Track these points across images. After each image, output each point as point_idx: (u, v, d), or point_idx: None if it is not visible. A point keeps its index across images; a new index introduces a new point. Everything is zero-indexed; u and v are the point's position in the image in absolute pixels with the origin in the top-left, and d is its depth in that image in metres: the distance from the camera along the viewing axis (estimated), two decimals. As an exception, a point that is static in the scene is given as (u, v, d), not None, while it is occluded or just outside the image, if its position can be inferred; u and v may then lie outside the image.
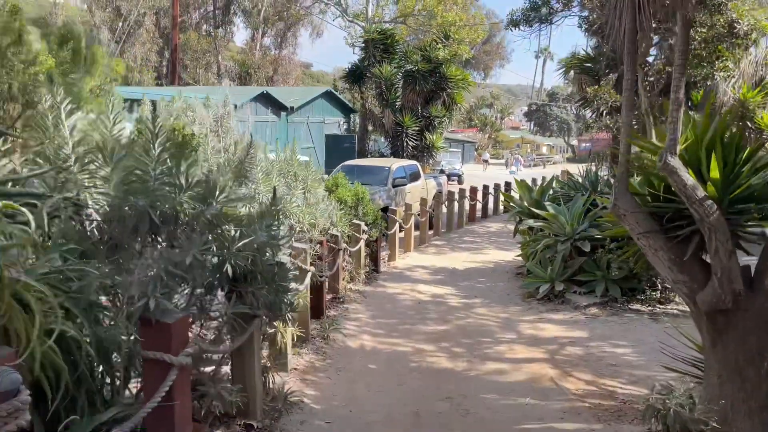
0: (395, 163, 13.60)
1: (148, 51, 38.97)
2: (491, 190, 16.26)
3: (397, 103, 21.67)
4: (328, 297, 7.02)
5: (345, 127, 25.46)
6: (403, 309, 6.97)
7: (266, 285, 3.44)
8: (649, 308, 6.75)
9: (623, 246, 6.71)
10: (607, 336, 5.90)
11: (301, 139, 21.82)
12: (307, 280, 5.16)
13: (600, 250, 7.06)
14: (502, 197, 16.80)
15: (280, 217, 4.84)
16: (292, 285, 4.39)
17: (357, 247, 7.74)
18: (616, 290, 6.93)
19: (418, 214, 11.89)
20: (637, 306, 6.82)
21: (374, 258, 8.70)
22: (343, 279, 7.71)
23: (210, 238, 2.90)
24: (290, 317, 3.92)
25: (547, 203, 7.94)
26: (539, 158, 58.39)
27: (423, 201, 11.95)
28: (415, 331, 6.11)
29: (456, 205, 13.75)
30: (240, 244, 2.96)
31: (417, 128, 21.10)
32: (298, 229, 5.27)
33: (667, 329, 6.01)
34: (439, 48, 22.28)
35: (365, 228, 7.95)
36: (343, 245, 7.07)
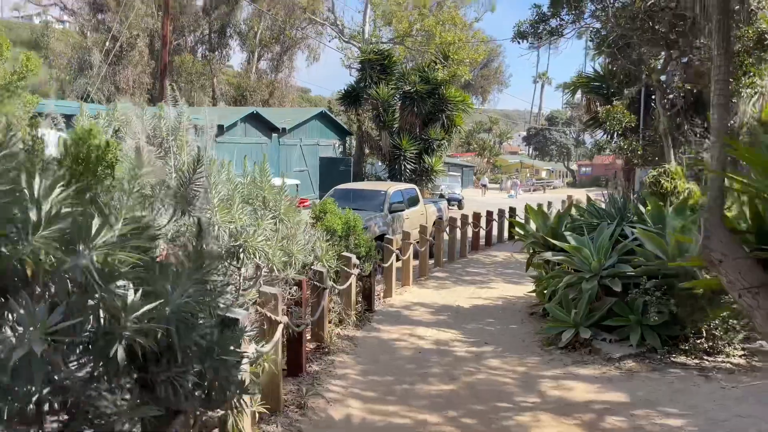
0: (392, 187, 12.57)
1: (140, 73, 38.25)
2: (495, 216, 15.20)
3: (395, 126, 20.85)
4: (311, 347, 5.89)
5: (341, 150, 24.53)
6: (400, 361, 5.83)
7: (198, 363, 2.35)
8: (696, 361, 5.62)
9: (666, 285, 5.63)
10: (653, 401, 4.76)
11: (293, 162, 20.85)
12: (278, 335, 4.05)
13: (634, 290, 5.96)
14: (512, 225, 15.76)
15: (240, 256, 3.77)
16: (250, 350, 3.29)
17: (347, 285, 6.64)
18: (655, 339, 5.81)
19: (417, 243, 10.81)
20: (681, 358, 5.69)
21: (367, 295, 7.57)
22: (330, 323, 6.59)
23: (90, 303, 1.81)
24: (243, 402, 2.80)
25: (567, 233, 6.86)
26: (539, 183, 57.60)
27: (422, 228, 10.87)
28: (415, 393, 4.96)
29: (458, 232, 12.67)
30: (141, 311, 1.86)
31: (415, 151, 20.26)
32: (265, 268, 4.18)
33: (726, 391, 4.90)
34: (438, 69, 21.55)
35: (356, 261, 6.86)
36: (330, 284, 5.97)
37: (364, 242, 7.22)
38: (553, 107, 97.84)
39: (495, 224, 15.27)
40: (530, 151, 75.18)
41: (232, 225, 3.83)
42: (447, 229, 12.37)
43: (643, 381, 5.20)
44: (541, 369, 5.62)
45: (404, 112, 20.60)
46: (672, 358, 5.68)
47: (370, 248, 7.38)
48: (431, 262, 11.30)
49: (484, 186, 42.76)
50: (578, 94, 17.06)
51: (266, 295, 4.12)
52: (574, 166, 68.83)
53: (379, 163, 22.52)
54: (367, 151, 22.99)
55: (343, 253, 6.82)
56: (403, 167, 20.48)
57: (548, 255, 6.83)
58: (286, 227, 4.58)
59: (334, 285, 6.20)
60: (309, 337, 6.05)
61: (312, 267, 5.80)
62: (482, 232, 14.38)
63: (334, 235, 7.02)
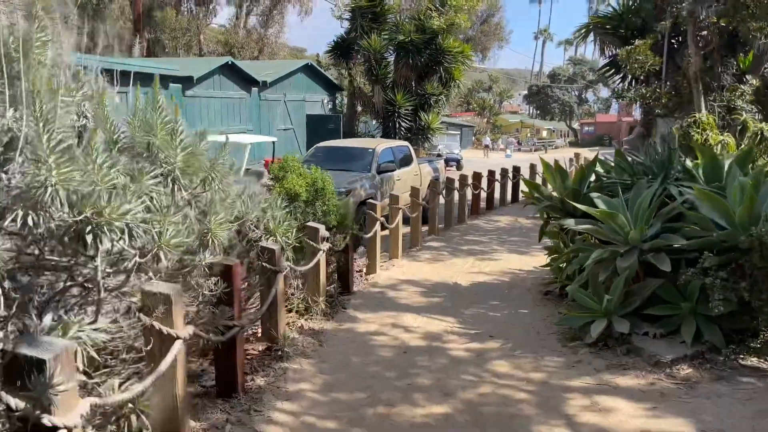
0: (381, 145, 11.02)
1: (120, 28, 36.01)
2: (497, 177, 13.66)
3: (388, 80, 19.16)
4: (261, 349, 4.47)
5: (330, 106, 22.76)
6: (378, 366, 4.41)
7: None
8: (773, 364, 4.21)
9: (732, 263, 4.16)
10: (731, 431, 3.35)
11: (277, 120, 19.18)
12: (172, 356, 2.60)
13: (688, 270, 4.49)
14: (515, 186, 14.29)
15: (87, 239, 2.28)
16: (77, 412, 1.83)
17: (312, 264, 5.17)
18: (716, 334, 4.38)
19: (408, 207, 9.35)
20: (752, 360, 4.27)
21: (343, 274, 6.12)
22: (292, 312, 5.17)
23: None
24: None
25: (594, 195, 5.35)
26: (540, 143, 55.66)
27: (414, 191, 9.36)
28: (393, 421, 3.54)
29: (456, 194, 11.17)
30: None
31: (411, 107, 18.63)
32: (141, 256, 2.68)
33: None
34: (435, 16, 19.63)
35: (325, 233, 5.38)
36: (285, 265, 4.51)
37: (335, 208, 5.72)
38: (554, 64, 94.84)
39: (497, 185, 13.76)
40: (531, 111, 73.11)
41: (84, 187, 2.33)
42: (443, 192, 10.87)
43: (709, 397, 3.78)
44: (565, 376, 4.20)
45: (398, 65, 18.89)
46: (740, 361, 4.25)
47: (344, 216, 5.88)
48: (425, 229, 9.84)
49: (487, 146, 40.13)
50: (583, 49, 15.31)
51: (153, 296, 2.64)
52: (576, 125, 66.92)
53: (374, 122, 20.96)
54: (359, 108, 21.34)
55: (308, 224, 5.34)
56: (397, 125, 18.93)
57: (570, 222, 5.34)
58: (212, 191, 3.07)
59: (293, 266, 4.74)
60: (260, 334, 4.63)
61: (258, 243, 4.35)
62: (483, 194, 12.88)
63: (297, 200, 5.53)
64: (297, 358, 4.38)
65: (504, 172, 14.03)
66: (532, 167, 15.26)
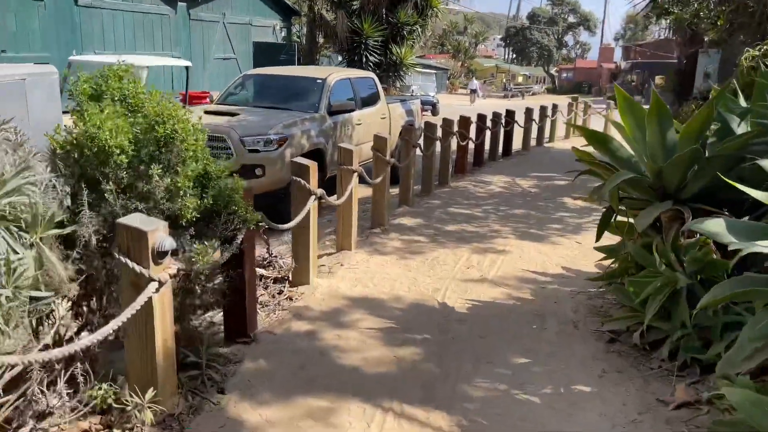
0: (335, 75, 7.84)
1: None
2: (488, 123, 10.60)
3: (354, 5, 16.00)
4: None
5: (284, 34, 19.16)
6: None
7: None
8: None
9: None
10: None
11: (213, 46, 15.61)
12: None
13: None
14: (517, 136, 11.47)
15: None
16: None
17: (129, 314, 2.17)
18: None
19: (369, 162, 6.34)
20: None
21: (236, 306, 3.14)
22: (97, 415, 2.17)
23: None
24: None
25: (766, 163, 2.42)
26: (517, 89, 52.43)
27: (380, 141, 6.27)
28: None
29: (437, 146, 8.15)
30: None
31: (380, 38, 15.62)
32: None
33: None
34: (411, -73, 16.22)
35: (168, 243, 2.34)
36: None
37: (189, 183, 2.63)
38: (533, 4, 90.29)
39: (488, 134, 10.74)
40: (508, 55, 69.61)
41: None
42: (422, 143, 7.84)
43: None
44: None
45: (366, -13, 15.66)
46: None
47: (226, 193, 2.80)
48: (394, 191, 6.88)
49: (474, 92, 33.43)
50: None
51: None
52: (554, 71, 63.97)
53: (339, 58, 17.86)
54: (321, 40, 17.98)
55: (122, 221, 2.30)
56: (364, 59, 15.89)
57: (709, 228, 2.40)
58: None
59: (27, 359, 1.71)
60: None
61: None
62: (470, 146, 9.89)
63: (109, 164, 2.45)
64: None
65: (496, 117, 10.99)
66: (529, 111, 12.37)
